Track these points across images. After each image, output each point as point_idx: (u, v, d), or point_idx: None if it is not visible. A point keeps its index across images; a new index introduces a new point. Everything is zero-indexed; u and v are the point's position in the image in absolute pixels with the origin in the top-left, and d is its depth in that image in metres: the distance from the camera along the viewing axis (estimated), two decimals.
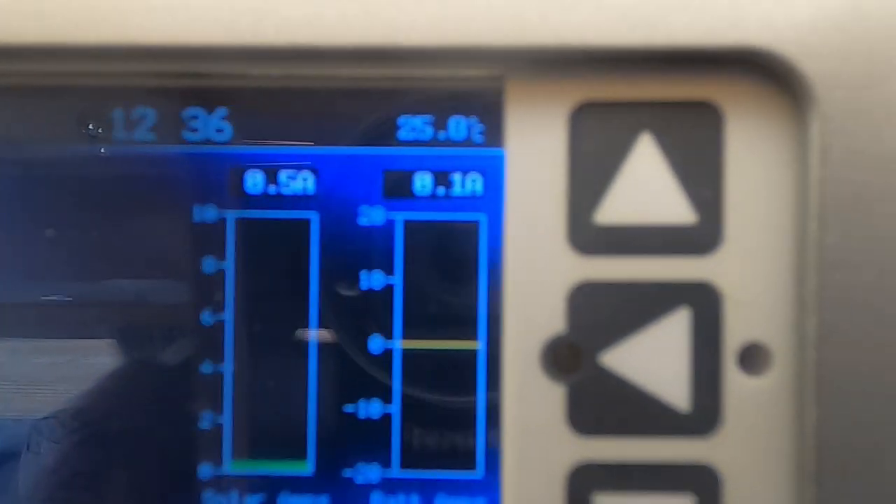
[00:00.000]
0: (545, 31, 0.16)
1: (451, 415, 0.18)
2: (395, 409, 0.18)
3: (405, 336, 0.18)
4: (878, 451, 0.16)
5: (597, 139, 0.17)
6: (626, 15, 0.16)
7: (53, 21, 0.16)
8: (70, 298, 0.19)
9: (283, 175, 0.18)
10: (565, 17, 0.16)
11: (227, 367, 0.18)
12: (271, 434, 0.18)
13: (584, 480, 0.17)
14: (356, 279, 0.18)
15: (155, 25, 0.16)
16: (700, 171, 0.17)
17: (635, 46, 0.16)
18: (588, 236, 0.17)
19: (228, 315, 0.18)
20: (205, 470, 0.18)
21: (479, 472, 0.18)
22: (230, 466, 0.18)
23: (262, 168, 0.18)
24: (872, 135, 0.16)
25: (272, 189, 0.18)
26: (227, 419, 0.18)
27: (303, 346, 0.18)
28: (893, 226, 0.16)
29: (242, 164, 0.18)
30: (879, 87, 0.16)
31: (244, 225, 0.18)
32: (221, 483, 0.18)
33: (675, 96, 0.17)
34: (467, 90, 0.18)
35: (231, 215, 0.18)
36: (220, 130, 0.18)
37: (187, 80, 0.18)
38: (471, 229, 0.18)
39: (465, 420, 0.18)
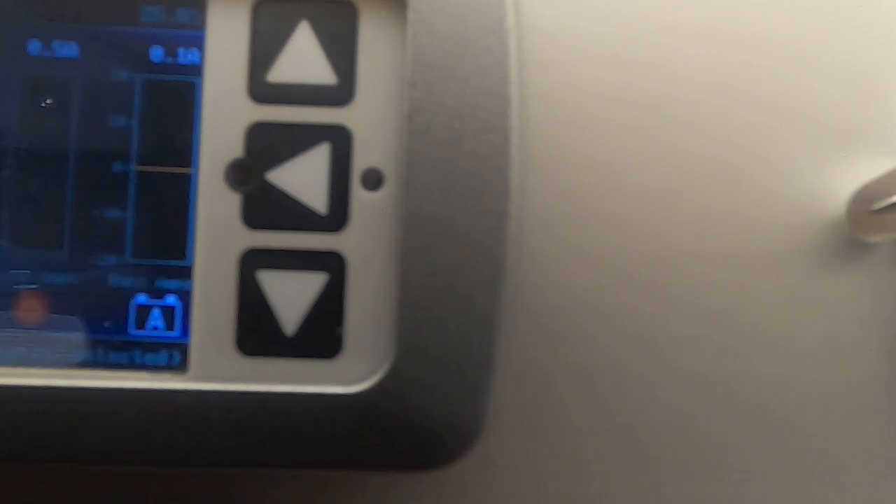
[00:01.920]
0: None
1: (170, 217, 0.25)
2: (130, 214, 0.25)
3: (139, 162, 0.25)
4: (456, 234, 0.23)
5: (270, 24, 0.24)
6: None
7: None
8: None
9: (54, 43, 0.25)
10: None
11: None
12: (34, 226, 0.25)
13: (251, 261, 0.24)
14: (109, 118, 0.25)
15: None
16: (340, 48, 0.24)
17: None
18: (262, 90, 0.24)
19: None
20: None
21: (188, 261, 0.25)
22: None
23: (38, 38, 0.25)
24: (446, 23, 0.23)
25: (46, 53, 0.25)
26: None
27: (65, 166, 0.25)
28: (463, 82, 0.23)
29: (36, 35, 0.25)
30: None
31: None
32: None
33: None
34: None
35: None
36: None
37: None
38: (189, 87, 0.25)
39: (179, 221, 0.25)
